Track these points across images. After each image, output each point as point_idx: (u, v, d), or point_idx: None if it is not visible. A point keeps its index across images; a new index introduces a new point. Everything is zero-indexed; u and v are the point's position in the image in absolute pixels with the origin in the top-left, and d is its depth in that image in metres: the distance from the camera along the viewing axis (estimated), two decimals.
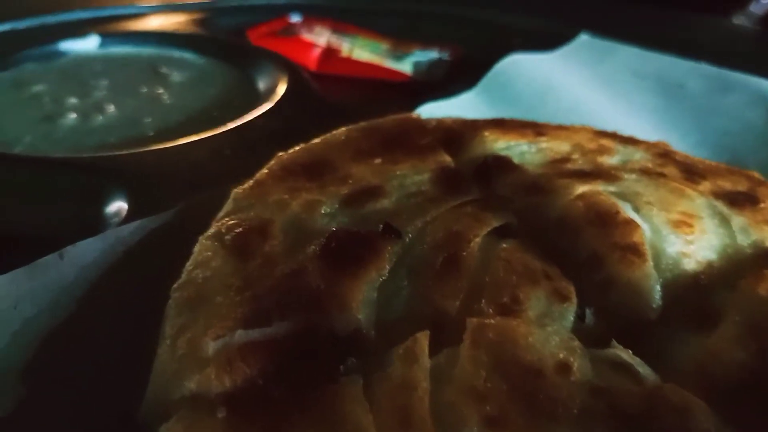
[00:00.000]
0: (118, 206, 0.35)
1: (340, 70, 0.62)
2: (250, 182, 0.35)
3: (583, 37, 0.66)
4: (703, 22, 0.83)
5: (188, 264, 0.30)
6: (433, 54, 0.66)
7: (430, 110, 0.49)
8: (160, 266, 0.30)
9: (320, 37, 0.65)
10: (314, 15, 0.72)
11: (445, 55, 0.66)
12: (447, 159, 0.38)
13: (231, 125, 0.46)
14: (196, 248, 0.31)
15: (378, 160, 0.37)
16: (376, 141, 0.39)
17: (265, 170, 0.36)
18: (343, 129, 0.40)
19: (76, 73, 0.56)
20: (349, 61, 0.62)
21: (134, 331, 0.27)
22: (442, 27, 0.74)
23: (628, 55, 0.63)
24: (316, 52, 0.63)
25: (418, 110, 0.48)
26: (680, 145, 0.41)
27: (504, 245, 0.31)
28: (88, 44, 0.61)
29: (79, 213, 0.35)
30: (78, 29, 0.64)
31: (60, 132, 0.47)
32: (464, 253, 0.30)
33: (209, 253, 0.30)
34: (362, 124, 0.41)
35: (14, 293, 0.28)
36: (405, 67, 0.63)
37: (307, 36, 0.65)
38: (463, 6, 0.76)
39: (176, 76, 0.57)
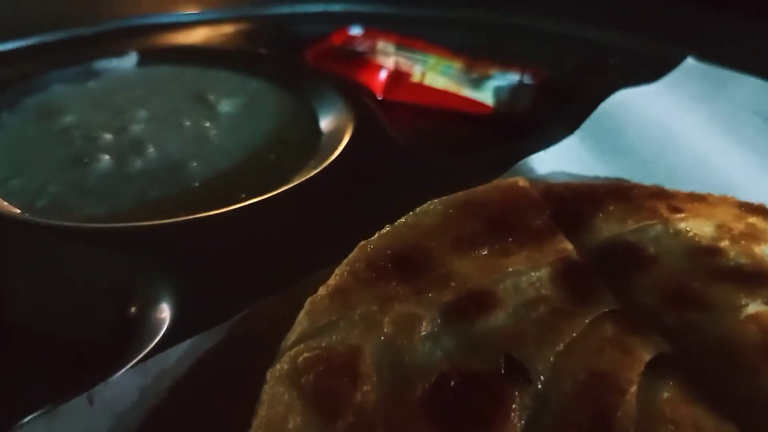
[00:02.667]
0: (159, 310, 0.28)
1: (410, 98, 0.53)
2: (329, 287, 0.27)
3: (690, 62, 0.57)
4: None
5: (256, 423, 0.22)
6: (513, 78, 0.57)
7: (530, 162, 0.41)
8: (217, 411, 0.23)
9: (387, 58, 0.56)
10: (375, 26, 0.63)
11: (529, 80, 0.58)
12: (567, 246, 0.31)
13: (293, 183, 0.39)
14: (266, 392, 0.23)
15: (484, 251, 0.30)
16: (480, 222, 0.32)
17: (346, 268, 0.28)
18: (437, 203, 0.33)
19: (111, 100, 0.49)
20: (422, 88, 0.54)
21: None
22: (521, 42, 0.65)
23: (746, 88, 0.54)
24: (383, 76, 0.54)
25: (519, 165, 0.40)
26: None
27: (665, 394, 0.24)
28: (125, 63, 0.53)
29: (108, 319, 0.27)
30: (113, 42, 0.56)
31: (91, 179, 0.40)
32: (618, 413, 0.23)
33: (282, 407, 0.23)
34: (459, 195, 0.33)
35: None
36: (485, 95, 0.54)
37: (371, 56, 0.56)
38: (543, 18, 0.67)
39: (225, 106, 0.49)
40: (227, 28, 0.62)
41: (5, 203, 0.37)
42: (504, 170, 0.39)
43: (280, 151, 0.44)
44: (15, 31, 0.55)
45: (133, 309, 0.28)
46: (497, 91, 0.55)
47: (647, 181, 0.37)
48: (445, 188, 0.33)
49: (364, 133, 0.45)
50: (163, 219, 0.36)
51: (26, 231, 0.34)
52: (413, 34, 0.63)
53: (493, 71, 0.58)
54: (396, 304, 0.27)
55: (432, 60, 0.58)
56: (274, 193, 0.37)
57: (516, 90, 0.56)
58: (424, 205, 0.32)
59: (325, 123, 0.47)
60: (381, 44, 0.61)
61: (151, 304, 0.28)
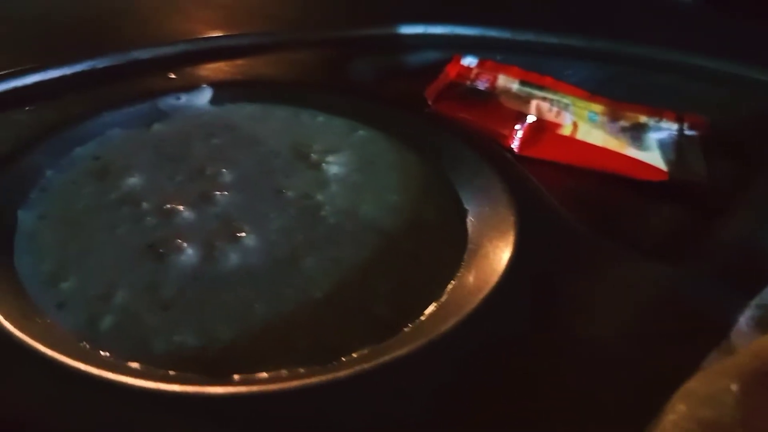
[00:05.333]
0: None
1: (558, 157, 0.42)
2: None
3: None
4: None
5: None
6: (671, 128, 0.46)
7: None
8: None
9: (523, 101, 0.44)
10: (483, 52, 0.52)
11: (691, 131, 0.46)
12: None
13: (464, 314, 0.27)
14: None
15: None
16: None
17: None
18: None
19: (184, 152, 0.38)
20: (575, 144, 0.42)
21: None
22: (663, 79, 0.53)
23: None
24: (522, 126, 0.43)
25: None
26: None
27: None
28: (196, 99, 0.42)
29: None
30: (175, 70, 0.45)
31: (172, 283, 0.29)
32: None
33: None
34: None
35: None
36: (653, 155, 0.42)
37: (501, 97, 0.45)
38: (691, 52, 0.55)
39: (332, 165, 0.37)
40: (311, 53, 0.50)
41: (61, 328, 0.26)
42: None
43: (416, 237, 0.33)
44: (56, 56, 0.44)
45: None
46: (662, 147, 0.44)
47: None
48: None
49: (534, 222, 0.33)
50: (282, 364, 0.25)
51: (92, 389, 0.23)
52: (530, 65, 0.51)
53: (643, 118, 0.47)
54: None
55: (574, 104, 0.47)
56: (453, 324, 0.26)
57: (682, 145, 0.45)
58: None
59: (468, 196, 0.36)
60: (502, 79, 0.49)
61: None
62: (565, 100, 0.47)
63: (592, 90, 0.49)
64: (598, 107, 0.48)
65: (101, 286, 0.28)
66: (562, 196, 0.37)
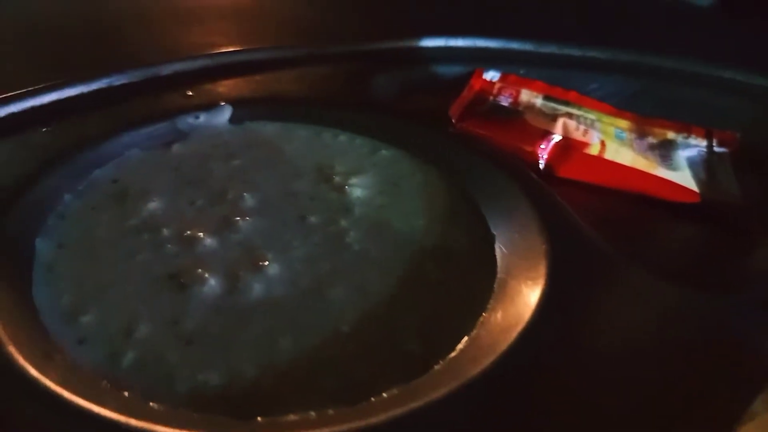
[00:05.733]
0: None
1: (586, 177, 0.41)
2: None
3: None
4: None
5: None
6: (700, 145, 0.45)
7: None
8: None
9: (548, 118, 0.43)
10: (511, 67, 0.51)
11: (720, 148, 0.45)
12: None
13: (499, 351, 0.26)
14: None
15: None
16: None
17: None
18: None
19: (205, 174, 0.37)
20: (603, 164, 0.41)
21: None
22: (687, 92, 0.52)
23: None
24: (548, 145, 0.41)
25: None
26: None
27: None
28: (215, 118, 0.41)
29: None
30: (198, 87, 0.44)
31: (195, 315, 0.28)
32: None
33: None
34: None
35: None
36: (683, 175, 0.41)
37: (526, 113, 0.43)
38: (719, 64, 0.54)
39: (356, 188, 0.36)
40: (331, 68, 0.49)
41: (81, 366, 0.25)
42: None
43: (444, 265, 0.32)
44: (72, 73, 0.43)
45: None
46: (692, 166, 0.42)
47: None
48: None
49: (564, 249, 0.32)
50: (309, 404, 0.24)
51: None
52: (553, 79, 0.50)
53: (671, 135, 0.46)
54: None
55: (600, 120, 0.46)
56: (488, 363, 0.25)
57: (712, 163, 0.43)
58: None
59: (496, 220, 0.35)
60: (526, 94, 0.48)
61: None
62: (591, 116, 0.46)
63: (617, 105, 0.48)
64: (624, 123, 0.46)
65: (122, 319, 0.27)
66: (591, 219, 0.36)
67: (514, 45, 0.54)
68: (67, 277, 0.29)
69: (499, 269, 0.32)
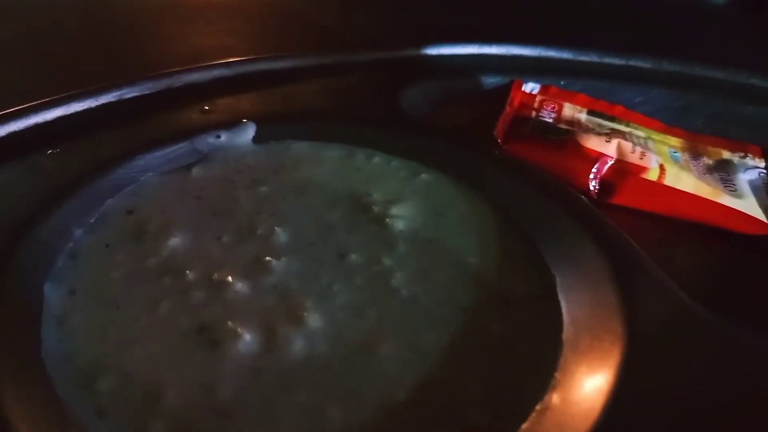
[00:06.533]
0: None
1: (644, 205, 0.37)
2: None
3: None
4: None
5: None
6: (758, 166, 0.41)
7: None
8: None
9: (603, 142, 0.40)
10: (549, 78, 0.47)
11: None
12: None
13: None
14: None
15: None
16: None
17: None
18: None
19: (229, 204, 0.33)
20: (663, 191, 0.37)
21: None
22: (747, 108, 0.48)
23: None
24: (603, 169, 0.38)
25: None
26: None
27: None
28: (237, 138, 0.37)
29: None
30: (216, 100, 0.40)
31: (230, 381, 0.24)
32: None
33: None
34: None
35: None
36: (749, 203, 0.38)
37: (584, 139, 0.40)
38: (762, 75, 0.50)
39: (397, 219, 0.33)
40: (357, 79, 0.46)
41: None
42: None
43: (503, 314, 0.28)
44: (79, 85, 0.39)
45: None
46: (756, 191, 0.39)
47: None
48: None
49: (636, 292, 0.28)
50: None
51: None
52: (594, 90, 0.47)
53: (726, 154, 0.42)
54: None
55: (651, 138, 0.42)
56: None
57: None
58: None
59: (555, 258, 0.31)
60: (569, 108, 0.44)
61: None
62: (640, 133, 0.42)
63: (666, 120, 0.45)
64: (675, 141, 0.43)
65: (146, 384, 0.24)
66: (657, 255, 0.32)
67: (551, 53, 0.50)
68: (81, 331, 0.26)
69: (565, 319, 0.28)
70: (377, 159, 0.37)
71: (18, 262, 0.27)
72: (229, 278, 0.28)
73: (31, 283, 0.27)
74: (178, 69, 0.42)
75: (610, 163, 0.38)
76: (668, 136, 0.43)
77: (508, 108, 0.42)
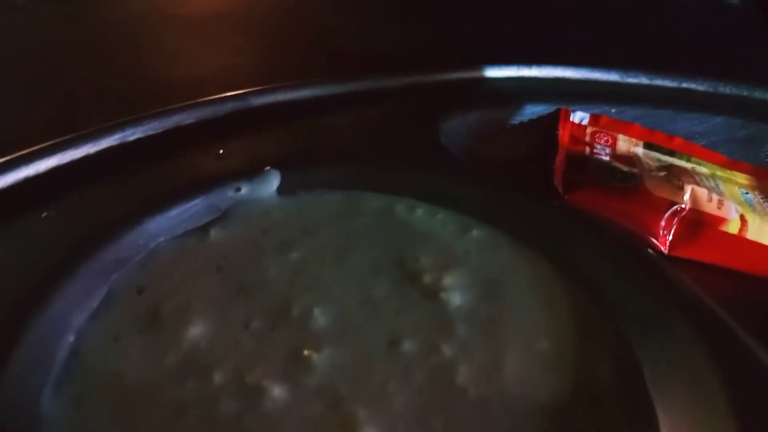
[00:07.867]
0: None
1: (720, 260, 0.33)
2: None
3: None
4: None
5: None
6: None
7: None
8: None
9: (675, 188, 0.35)
10: (598, 107, 0.43)
11: None
12: None
13: None
14: None
15: None
16: None
17: None
18: None
19: (258, 280, 0.28)
20: (743, 245, 0.33)
21: None
22: None
23: None
24: (675, 220, 0.33)
25: None
26: None
27: None
28: (260, 190, 0.33)
29: None
30: (231, 142, 0.36)
31: None
32: None
33: None
34: None
35: None
36: None
37: (653, 185, 0.35)
38: None
39: (455, 295, 0.28)
40: (388, 109, 0.41)
41: None
42: None
43: (589, 413, 0.24)
44: (75, 127, 0.34)
45: None
46: None
47: None
48: None
49: (736, 377, 0.24)
50: None
51: None
52: (644, 118, 0.42)
53: None
54: None
55: (715, 175, 0.38)
56: None
57: None
58: None
59: (640, 338, 0.27)
60: (623, 141, 0.40)
61: None
62: (703, 169, 0.38)
63: (728, 153, 0.40)
64: (742, 178, 0.39)
65: None
66: (747, 324, 0.28)
67: (597, 74, 0.45)
68: None
69: (660, 417, 0.24)
70: (420, 211, 0.33)
71: (10, 369, 0.23)
72: (265, 382, 0.24)
73: (26, 396, 0.22)
74: (186, 103, 0.37)
75: (684, 213, 0.33)
76: (735, 173, 0.39)
77: (558, 143, 0.38)
